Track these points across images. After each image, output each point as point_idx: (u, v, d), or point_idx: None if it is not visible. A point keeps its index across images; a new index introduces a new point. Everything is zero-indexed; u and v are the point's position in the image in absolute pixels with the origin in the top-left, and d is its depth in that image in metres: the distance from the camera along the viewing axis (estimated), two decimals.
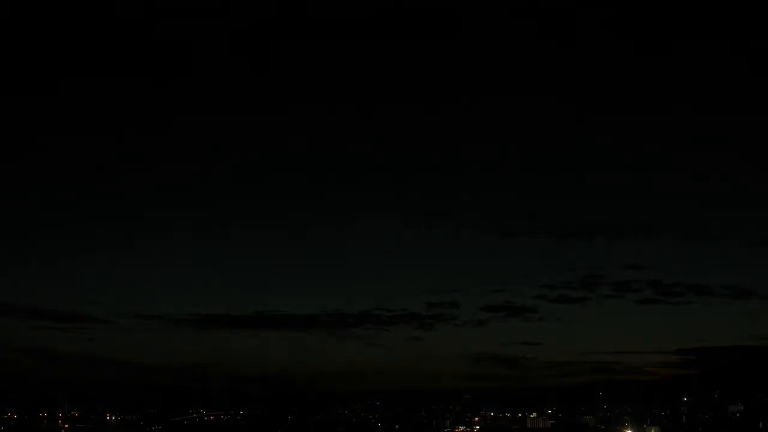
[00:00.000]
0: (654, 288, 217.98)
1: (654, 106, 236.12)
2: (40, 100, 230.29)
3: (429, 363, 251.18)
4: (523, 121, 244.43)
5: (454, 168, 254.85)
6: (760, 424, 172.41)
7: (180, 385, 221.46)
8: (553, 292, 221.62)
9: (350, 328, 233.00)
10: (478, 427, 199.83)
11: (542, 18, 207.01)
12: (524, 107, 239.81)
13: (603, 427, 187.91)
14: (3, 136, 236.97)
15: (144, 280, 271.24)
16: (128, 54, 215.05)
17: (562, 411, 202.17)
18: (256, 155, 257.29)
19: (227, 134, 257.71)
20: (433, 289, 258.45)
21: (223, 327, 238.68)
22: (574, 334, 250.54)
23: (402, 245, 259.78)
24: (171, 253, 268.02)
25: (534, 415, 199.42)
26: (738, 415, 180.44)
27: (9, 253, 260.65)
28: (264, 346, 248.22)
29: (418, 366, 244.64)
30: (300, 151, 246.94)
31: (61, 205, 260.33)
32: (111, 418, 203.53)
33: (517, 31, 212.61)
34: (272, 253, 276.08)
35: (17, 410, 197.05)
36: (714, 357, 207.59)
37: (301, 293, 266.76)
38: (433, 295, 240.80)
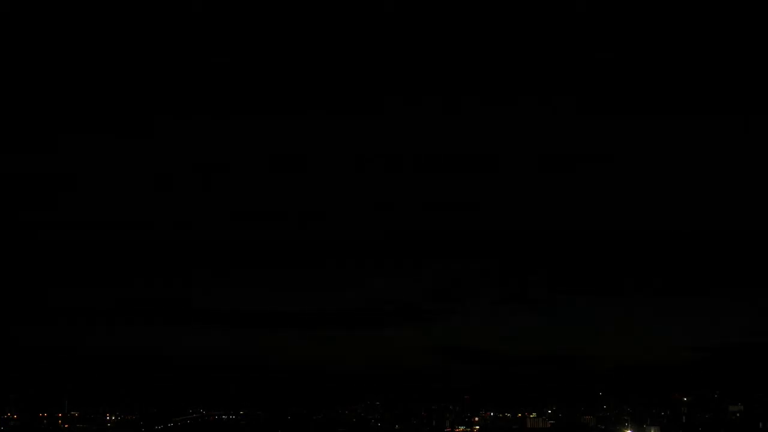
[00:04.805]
0: (660, 283, 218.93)
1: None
2: None
3: (428, 361, 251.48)
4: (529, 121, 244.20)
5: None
6: (760, 424, 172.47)
7: (180, 385, 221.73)
8: (560, 286, 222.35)
9: (349, 326, 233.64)
10: (477, 427, 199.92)
11: None
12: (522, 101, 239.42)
13: (603, 427, 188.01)
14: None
15: (143, 279, 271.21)
16: None
17: (562, 411, 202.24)
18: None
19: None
20: (434, 283, 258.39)
21: (223, 326, 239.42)
22: (574, 331, 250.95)
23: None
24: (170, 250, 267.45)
25: (534, 415, 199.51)
26: (738, 415, 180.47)
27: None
28: (264, 345, 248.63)
29: (417, 365, 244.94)
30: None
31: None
32: (111, 418, 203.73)
33: None
34: (272, 251, 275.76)
35: (17, 410, 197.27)
36: (715, 355, 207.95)
37: (300, 291, 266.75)
38: (434, 289, 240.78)
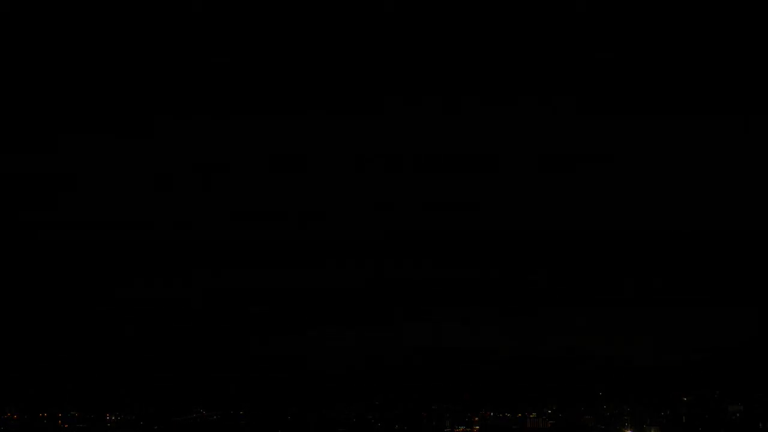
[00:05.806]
0: (660, 283, 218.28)
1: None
2: None
3: (428, 361, 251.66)
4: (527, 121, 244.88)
5: None
6: (760, 425, 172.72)
7: (180, 385, 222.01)
8: (560, 286, 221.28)
9: (349, 325, 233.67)
10: (477, 427, 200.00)
11: None
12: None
13: (603, 427, 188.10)
14: None
15: (143, 279, 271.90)
16: None
17: (562, 411, 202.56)
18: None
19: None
20: (434, 283, 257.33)
21: (224, 326, 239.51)
22: (574, 331, 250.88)
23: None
24: (170, 250, 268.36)
25: (534, 415, 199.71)
26: (738, 415, 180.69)
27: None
28: (264, 344, 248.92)
29: (417, 365, 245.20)
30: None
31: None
32: (111, 418, 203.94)
33: None
34: (272, 251, 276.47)
35: (17, 410, 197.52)
36: (715, 355, 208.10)
37: (300, 291, 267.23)
38: (434, 288, 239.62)
